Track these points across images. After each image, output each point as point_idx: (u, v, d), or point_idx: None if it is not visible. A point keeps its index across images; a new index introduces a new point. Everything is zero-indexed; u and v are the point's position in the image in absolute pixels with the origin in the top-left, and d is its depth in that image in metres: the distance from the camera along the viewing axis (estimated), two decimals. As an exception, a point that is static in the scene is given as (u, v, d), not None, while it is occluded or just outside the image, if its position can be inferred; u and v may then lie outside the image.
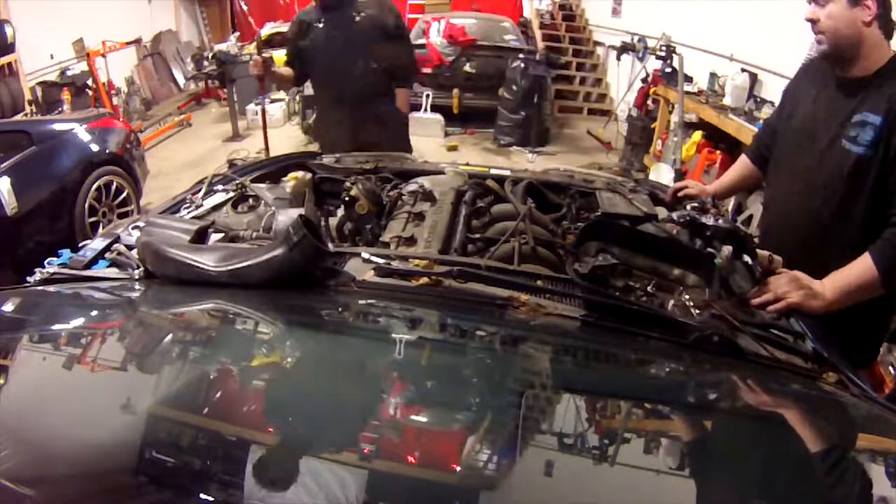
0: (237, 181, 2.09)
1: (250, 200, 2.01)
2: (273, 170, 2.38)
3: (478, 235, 1.89)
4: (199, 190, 2.07)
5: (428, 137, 7.75)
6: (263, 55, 3.29)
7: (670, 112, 6.23)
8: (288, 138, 7.85)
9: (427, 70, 8.03)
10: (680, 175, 5.36)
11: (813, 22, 1.74)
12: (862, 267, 1.62)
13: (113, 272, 1.53)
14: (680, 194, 2.18)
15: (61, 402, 0.91)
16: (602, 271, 1.48)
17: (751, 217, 4.85)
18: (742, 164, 2.27)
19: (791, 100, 2.00)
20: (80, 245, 1.67)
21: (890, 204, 1.65)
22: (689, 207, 1.86)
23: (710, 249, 1.59)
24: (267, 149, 5.65)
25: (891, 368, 3.03)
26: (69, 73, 7.42)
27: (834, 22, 1.69)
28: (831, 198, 1.78)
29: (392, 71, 3.31)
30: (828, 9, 1.70)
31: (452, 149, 7.43)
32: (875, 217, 1.69)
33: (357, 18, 3.16)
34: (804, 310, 1.53)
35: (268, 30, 11.15)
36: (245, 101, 8.31)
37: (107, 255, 1.60)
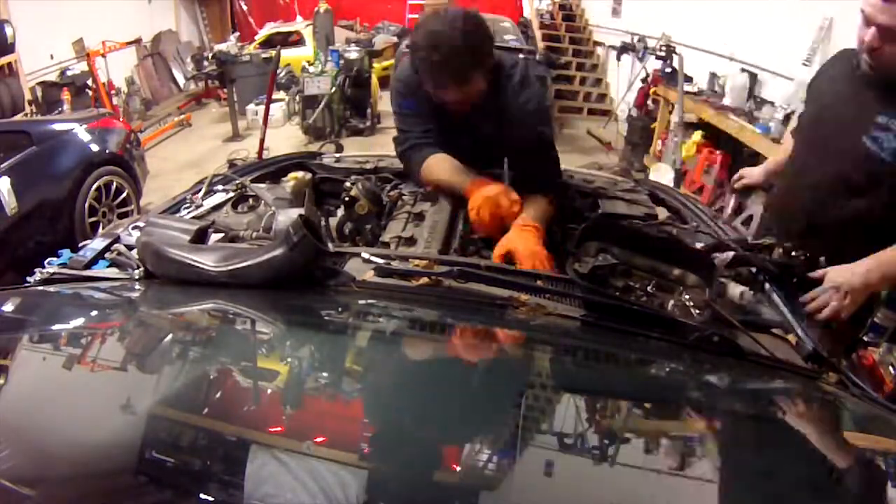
0: (237, 181, 2.09)
1: (250, 200, 2.01)
2: (273, 170, 2.38)
3: (478, 235, 1.89)
4: (199, 190, 2.07)
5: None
6: None
7: (670, 112, 6.23)
8: (288, 138, 7.85)
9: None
10: (679, 175, 5.36)
11: (872, 50, 1.69)
12: None
13: (113, 272, 1.53)
14: (738, 185, 2.35)
15: (61, 402, 0.91)
16: (602, 271, 1.48)
17: (750, 217, 4.84)
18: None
19: (815, 93, 2.03)
20: (80, 245, 1.67)
21: None
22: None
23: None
24: (260, 153, 5.64)
25: (891, 368, 3.03)
26: (69, 73, 7.42)
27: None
28: (849, 197, 1.81)
29: None
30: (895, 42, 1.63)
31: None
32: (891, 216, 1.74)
33: None
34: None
35: (268, 30, 11.18)
36: (245, 101, 8.32)
37: (107, 255, 1.60)
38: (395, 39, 10.89)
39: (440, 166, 1.97)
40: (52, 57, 7.65)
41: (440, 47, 1.68)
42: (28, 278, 1.54)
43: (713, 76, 6.05)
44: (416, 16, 11.10)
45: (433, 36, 1.70)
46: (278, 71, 7.25)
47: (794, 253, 1.63)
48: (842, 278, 1.59)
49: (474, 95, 1.81)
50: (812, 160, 1.97)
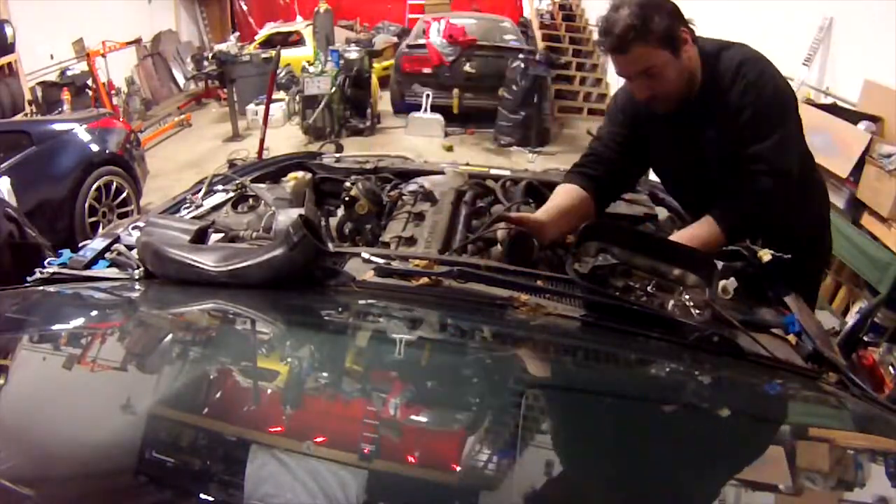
0: (237, 181, 2.09)
1: (250, 200, 2.01)
2: (273, 170, 2.38)
3: (476, 237, 1.89)
4: (199, 190, 2.07)
5: (428, 137, 7.75)
6: None
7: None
8: (288, 138, 7.85)
9: (427, 70, 8.05)
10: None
11: (651, 100, 1.68)
12: (707, 230, 1.66)
13: (113, 272, 1.53)
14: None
15: (61, 403, 0.91)
16: (602, 271, 1.48)
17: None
18: (576, 196, 1.83)
19: (638, 128, 1.86)
20: (80, 245, 1.67)
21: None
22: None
23: None
24: (260, 153, 5.64)
25: (891, 368, 3.03)
26: (69, 73, 7.42)
27: (670, 84, 1.64)
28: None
29: None
30: (663, 77, 1.63)
31: (448, 150, 7.43)
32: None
33: None
34: None
35: (268, 30, 11.18)
36: (245, 101, 8.31)
37: (107, 255, 1.60)
38: (395, 39, 10.90)
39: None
40: (52, 57, 7.65)
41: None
42: (28, 278, 1.54)
43: (713, 76, 6.04)
44: (416, 16, 11.12)
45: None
46: (278, 71, 7.26)
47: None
48: None
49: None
50: (690, 197, 1.92)
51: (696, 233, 1.68)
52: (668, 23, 1.60)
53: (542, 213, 1.77)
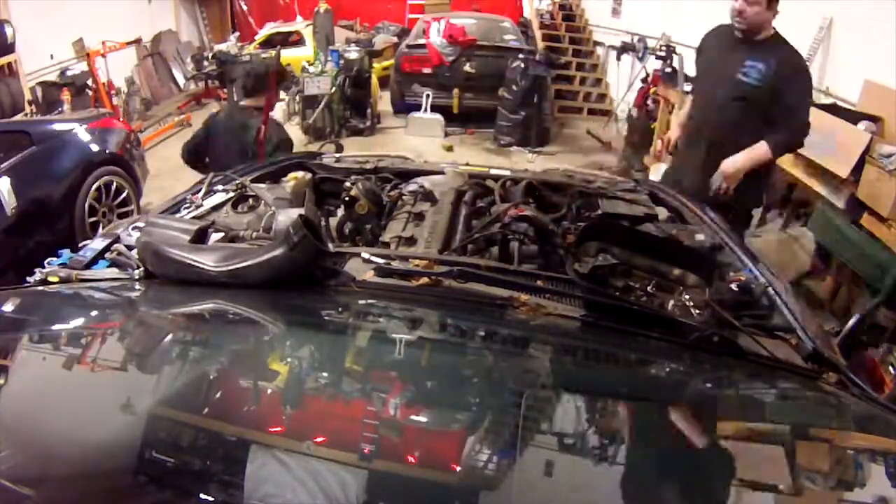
0: (237, 181, 2.09)
1: (250, 200, 2.01)
2: (273, 170, 2.38)
3: (478, 235, 1.89)
4: (199, 190, 2.07)
5: (428, 137, 7.75)
6: None
7: (670, 112, 6.22)
8: (288, 138, 7.85)
9: (427, 70, 8.06)
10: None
11: (740, 12, 2.69)
12: (761, 150, 2.76)
13: (113, 272, 1.53)
14: (671, 148, 3.27)
15: (61, 402, 0.91)
16: (602, 271, 1.48)
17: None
18: None
19: (703, 51, 3.06)
20: (80, 245, 1.67)
21: (777, 121, 2.75)
22: None
23: None
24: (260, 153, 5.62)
25: (891, 368, 3.03)
26: (69, 73, 7.40)
27: (756, 17, 2.69)
28: (731, 112, 2.80)
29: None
30: (754, 8, 2.67)
31: (448, 150, 7.42)
32: (759, 127, 2.76)
33: None
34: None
35: (268, 30, 11.18)
36: (245, 101, 8.29)
37: (107, 255, 1.60)
38: (395, 39, 10.90)
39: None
40: (52, 57, 7.64)
41: None
42: (28, 278, 1.54)
43: (713, 76, 6.04)
44: (416, 16, 11.13)
45: None
46: (278, 71, 7.24)
47: None
48: (723, 166, 2.77)
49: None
50: (703, 96, 3.04)
51: (752, 154, 2.74)
52: None
53: (675, 126, 3.43)
